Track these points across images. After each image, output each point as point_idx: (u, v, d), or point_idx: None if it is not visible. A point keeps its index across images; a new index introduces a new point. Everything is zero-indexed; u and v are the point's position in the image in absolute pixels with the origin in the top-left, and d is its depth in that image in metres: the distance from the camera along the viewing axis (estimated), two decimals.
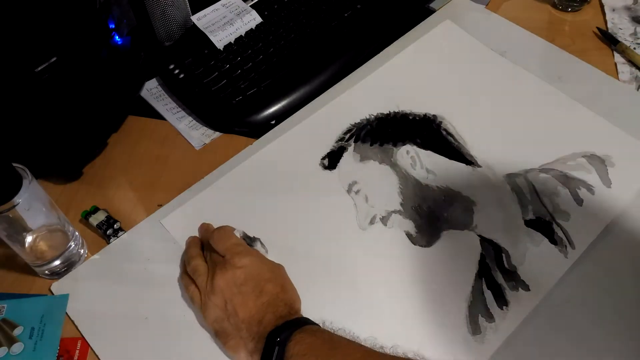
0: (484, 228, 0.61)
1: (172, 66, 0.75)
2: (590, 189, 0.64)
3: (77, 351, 0.54)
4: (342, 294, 0.57)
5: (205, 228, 0.61)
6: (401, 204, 0.63)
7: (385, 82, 0.76)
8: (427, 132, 0.70)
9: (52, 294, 0.58)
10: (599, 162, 0.66)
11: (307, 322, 0.51)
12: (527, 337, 0.54)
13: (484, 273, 0.58)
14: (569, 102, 0.72)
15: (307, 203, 0.64)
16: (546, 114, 0.71)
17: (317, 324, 0.51)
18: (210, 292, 0.53)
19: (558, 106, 0.72)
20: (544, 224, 0.61)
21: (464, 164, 0.67)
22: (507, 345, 0.53)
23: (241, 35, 0.78)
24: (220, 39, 0.76)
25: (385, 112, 0.72)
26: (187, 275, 0.57)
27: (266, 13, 0.80)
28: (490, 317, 0.55)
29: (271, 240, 0.58)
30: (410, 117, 0.71)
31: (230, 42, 0.77)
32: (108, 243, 0.62)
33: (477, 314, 0.55)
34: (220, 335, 0.52)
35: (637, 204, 0.62)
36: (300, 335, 0.48)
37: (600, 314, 0.55)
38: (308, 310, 0.54)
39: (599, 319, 0.55)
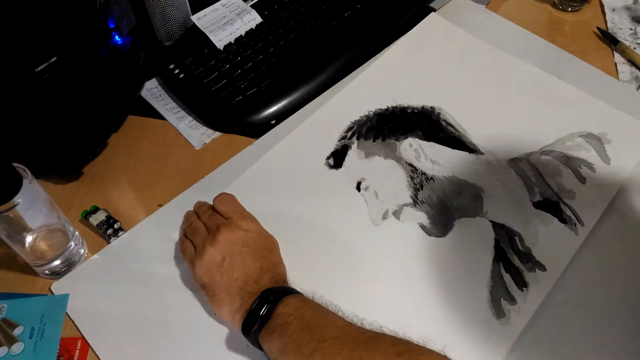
0: (494, 213, 0.62)
1: (172, 66, 0.75)
2: (590, 166, 0.65)
3: (77, 351, 0.54)
4: (363, 291, 0.57)
5: (201, 203, 0.62)
6: (411, 197, 0.64)
7: (380, 78, 0.76)
8: (427, 124, 0.71)
9: (52, 293, 0.58)
10: (596, 140, 0.68)
11: (299, 292, 0.53)
12: (548, 316, 0.55)
13: (500, 257, 0.59)
14: (560, 84, 0.74)
15: (318, 204, 0.64)
16: (540, 98, 0.73)
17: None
18: (210, 245, 0.54)
19: (550, 89, 0.73)
20: (552, 204, 0.62)
21: (467, 152, 0.68)
22: (530, 326, 0.54)
23: (241, 35, 0.78)
24: (220, 38, 0.76)
25: (384, 107, 0.72)
26: (184, 236, 0.58)
27: (266, 13, 0.80)
28: (512, 300, 0.56)
29: (286, 244, 0.58)
30: (409, 110, 0.72)
31: (230, 42, 0.77)
32: (108, 243, 0.62)
33: (500, 297, 0.56)
34: (207, 289, 0.54)
35: (636, 176, 0.64)
36: (290, 300, 0.50)
37: (617, 285, 0.57)
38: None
39: (616, 291, 0.56)
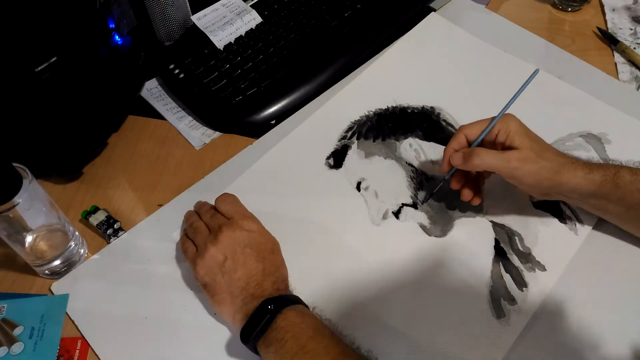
0: (494, 213, 0.62)
1: (172, 66, 0.75)
2: None
3: (77, 351, 0.54)
4: (362, 291, 0.57)
5: (202, 203, 0.62)
6: (411, 197, 0.64)
7: (380, 78, 0.76)
8: (427, 124, 0.71)
9: (52, 293, 0.58)
10: (596, 140, 0.68)
11: (299, 301, 0.53)
12: (548, 317, 0.55)
13: (500, 257, 0.59)
14: (560, 84, 0.74)
15: (318, 204, 0.64)
16: (540, 98, 0.72)
17: (307, 306, 0.53)
18: (212, 245, 0.54)
19: (550, 89, 0.73)
20: (552, 204, 0.62)
21: None
22: (530, 326, 0.55)
23: (241, 35, 0.78)
24: (220, 38, 0.76)
25: (384, 107, 0.73)
26: (185, 236, 0.58)
27: (266, 13, 0.80)
28: (512, 300, 0.56)
29: (285, 244, 0.58)
30: (409, 110, 0.72)
31: (230, 42, 0.77)
32: (108, 243, 0.62)
33: (499, 297, 0.56)
34: (208, 288, 0.54)
35: None
36: (289, 312, 0.50)
37: (617, 284, 0.57)
38: (329, 309, 0.55)
39: (615, 291, 0.56)
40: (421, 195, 0.63)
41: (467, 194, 0.60)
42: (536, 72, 0.57)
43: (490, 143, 0.57)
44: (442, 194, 0.63)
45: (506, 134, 0.55)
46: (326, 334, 0.50)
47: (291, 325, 0.49)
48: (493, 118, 0.57)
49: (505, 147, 0.56)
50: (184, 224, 0.61)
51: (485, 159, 0.54)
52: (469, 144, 0.58)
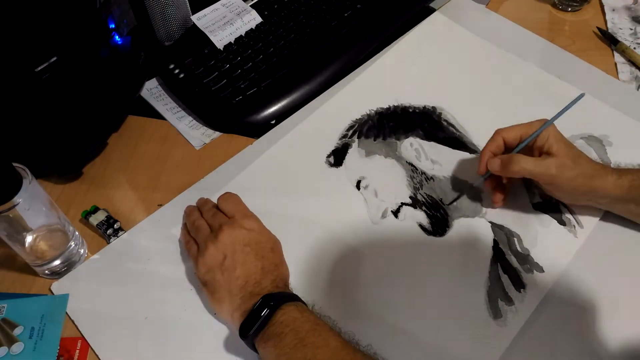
0: (493, 214, 0.62)
1: (172, 66, 0.75)
2: None
3: (77, 351, 0.54)
4: (361, 289, 0.57)
5: (204, 200, 0.62)
6: (411, 197, 0.64)
7: (382, 78, 0.76)
8: (428, 123, 0.71)
9: (52, 293, 0.58)
10: (597, 143, 0.67)
11: (298, 299, 0.53)
12: (545, 318, 0.55)
13: (498, 258, 0.59)
14: (560, 84, 0.74)
15: (317, 202, 0.64)
16: (540, 98, 0.73)
17: (306, 304, 0.53)
18: (212, 244, 0.54)
19: (550, 89, 0.73)
20: (552, 206, 0.62)
21: (468, 153, 0.68)
22: (527, 327, 0.54)
23: (241, 35, 0.78)
24: (220, 38, 0.76)
25: (385, 106, 0.73)
26: (187, 234, 0.59)
27: (266, 13, 0.80)
28: (509, 301, 0.56)
29: (285, 240, 0.58)
30: (410, 110, 0.72)
31: (230, 42, 0.77)
32: (108, 243, 0.62)
33: (497, 298, 0.56)
34: (208, 287, 0.54)
35: None
36: (289, 308, 0.50)
37: (615, 287, 0.56)
38: (328, 307, 0.55)
39: (614, 294, 0.56)
40: (450, 195, 0.63)
41: (498, 198, 0.61)
42: (582, 95, 0.58)
43: (525, 148, 0.58)
44: (442, 191, 0.64)
45: (544, 140, 0.56)
46: (325, 328, 0.50)
47: (291, 320, 0.49)
48: (531, 124, 0.57)
49: (542, 153, 0.57)
50: (184, 219, 0.61)
51: (525, 166, 0.55)
52: (506, 147, 0.59)
